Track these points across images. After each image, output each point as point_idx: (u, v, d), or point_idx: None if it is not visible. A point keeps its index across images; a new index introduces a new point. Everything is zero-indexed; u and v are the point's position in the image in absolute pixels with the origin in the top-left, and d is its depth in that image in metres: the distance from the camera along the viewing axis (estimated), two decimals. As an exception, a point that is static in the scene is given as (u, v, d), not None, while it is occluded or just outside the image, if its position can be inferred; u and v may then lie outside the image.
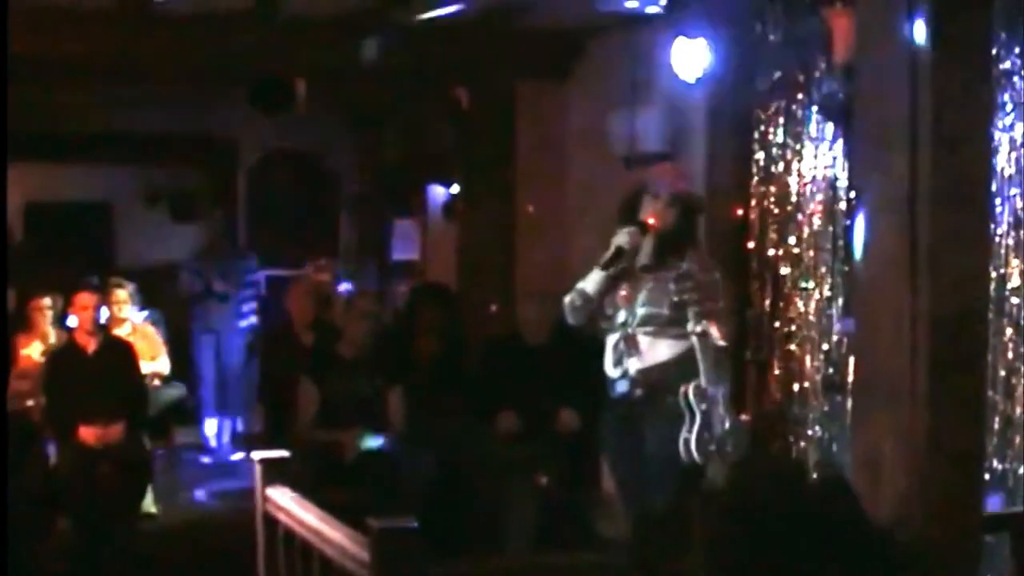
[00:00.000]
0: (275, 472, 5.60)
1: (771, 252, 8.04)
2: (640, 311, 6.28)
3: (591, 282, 6.40)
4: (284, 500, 5.38)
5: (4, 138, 6.69)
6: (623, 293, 6.35)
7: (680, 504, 6.26)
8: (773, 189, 8.04)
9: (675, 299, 6.22)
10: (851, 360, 7.20)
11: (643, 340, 6.29)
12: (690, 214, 6.48)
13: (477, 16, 9.73)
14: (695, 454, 6.18)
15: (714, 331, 6.15)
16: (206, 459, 11.61)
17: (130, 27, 9.66)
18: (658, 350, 6.25)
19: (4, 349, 8.89)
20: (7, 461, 7.82)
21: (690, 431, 6.17)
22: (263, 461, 5.66)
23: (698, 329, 6.15)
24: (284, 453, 5.82)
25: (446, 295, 9.71)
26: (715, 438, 6.19)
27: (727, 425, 6.20)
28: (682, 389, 6.17)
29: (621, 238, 6.28)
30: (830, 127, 7.52)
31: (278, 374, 9.25)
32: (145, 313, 10.67)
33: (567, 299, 6.48)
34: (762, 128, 8.08)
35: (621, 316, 6.35)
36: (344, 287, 12.01)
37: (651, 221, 6.31)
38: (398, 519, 4.39)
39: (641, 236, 6.30)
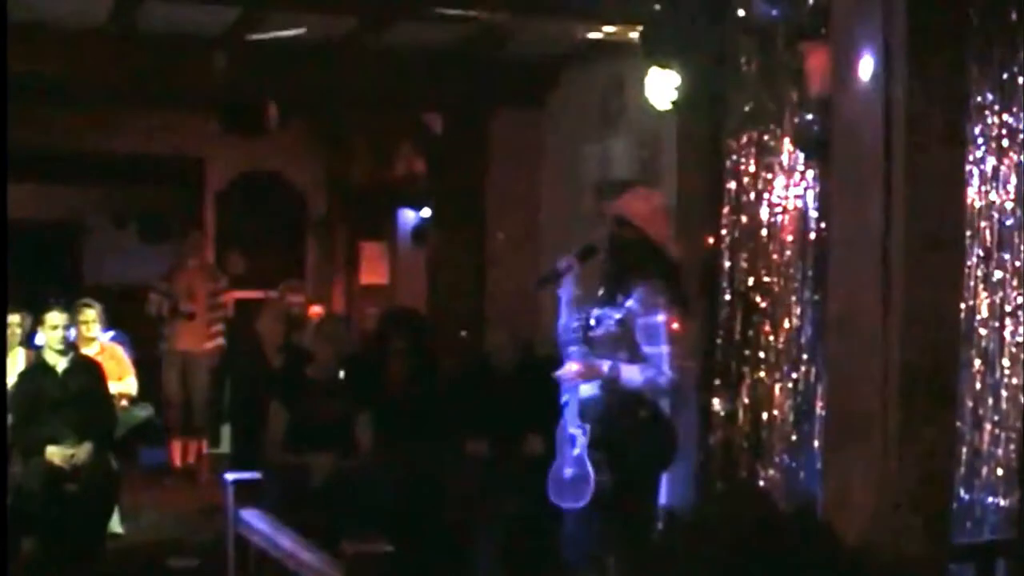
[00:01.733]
0: (248, 494, 5.60)
1: (741, 281, 8.07)
2: (574, 346, 6.22)
3: (561, 312, 6.41)
4: (257, 522, 5.39)
5: (4, 144, 6.68)
6: (576, 323, 6.28)
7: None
8: (744, 219, 8.07)
9: (605, 334, 6.13)
10: (820, 389, 7.26)
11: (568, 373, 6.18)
12: (640, 245, 6.24)
13: (452, 43, 9.78)
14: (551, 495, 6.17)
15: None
16: (173, 480, 11.58)
17: (102, 48, 9.67)
18: (589, 384, 6.17)
19: (3, 352, 8.85)
20: (7, 464, 7.80)
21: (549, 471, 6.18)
22: (236, 482, 5.67)
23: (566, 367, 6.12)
24: (256, 475, 5.83)
25: (416, 320, 9.72)
26: (560, 478, 6.10)
27: (575, 471, 6.04)
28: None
29: (561, 262, 6.29)
30: (802, 158, 7.55)
31: (248, 396, 9.24)
32: (112, 333, 10.64)
33: None
34: (734, 158, 8.12)
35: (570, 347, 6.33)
36: (314, 310, 12.00)
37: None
38: (372, 544, 4.41)
39: (579, 262, 6.28)
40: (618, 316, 6.10)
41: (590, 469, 5.98)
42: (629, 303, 6.10)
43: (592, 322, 6.12)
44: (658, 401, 6.25)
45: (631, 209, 6.32)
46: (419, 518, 8.24)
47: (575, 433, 6.07)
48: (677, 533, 6.40)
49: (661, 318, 6.06)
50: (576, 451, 6.04)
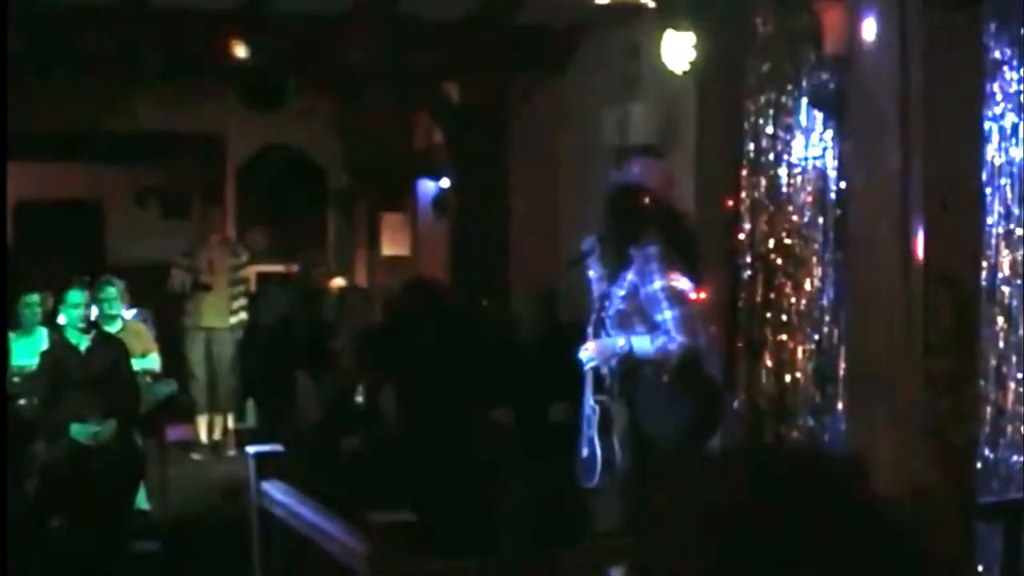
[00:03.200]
0: (270, 466, 5.59)
1: (762, 243, 8.04)
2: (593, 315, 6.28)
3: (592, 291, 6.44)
4: (279, 494, 5.38)
5: (4, 139, 6.67)
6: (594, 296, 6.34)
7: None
8: (763, 180, 8.04)
9: (615, 311, 6.16)
10: (843, 350, 7.23)
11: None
12: (636, 213, 6.28)
13: (469, 12, 9.74)
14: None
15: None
16: (198, 456, 11.61)
17: (121, 25, 9.66)
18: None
19: (4, 349, 8.86)
20: (7, 461, 7.81)
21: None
22: (257, 455, 5.65)
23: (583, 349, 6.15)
24: (278, 447, 5.81)
25: (438, 290, 9.70)
26: (579, 461, 6.20)
27: (587, 451, 6.14)
28: None
29: (585, 242, 6.34)
30: (820, 118, 7.52)
31: (272, 370, 9.24)
32: (135, 311, 10.66)
33: None
34: (752, 119, 8.08)
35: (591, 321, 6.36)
36: (336, 282, 12.01)
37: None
38: (397, 514, 4.40)
39: (599, 243, 6.30)
40: (622, 292, 6.11)
41: (598, 451, 6.03)
42: (630, 276, 6.11)
43: (605, 303, 6.14)
44: (694, 368, 6.24)
45: (633, 178, 6.38)
46: (445, 488, 8.24)
47: (589, 413, 6.15)
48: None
49: (659, 284, 6.05)
50: (590, 431, 6.11)
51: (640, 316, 6.07)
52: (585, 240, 6.34)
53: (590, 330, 6.20)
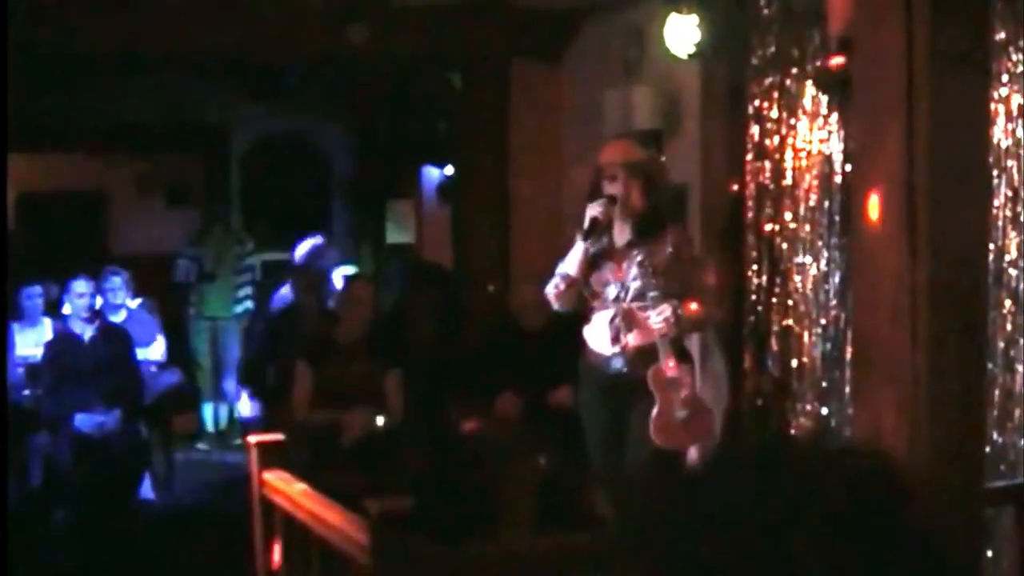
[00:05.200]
0: (272, 456, 5.55)
1: (767, 228, 7.98)
2: (632, 285, 6.29)
3: (571, 263, 6.45)
4: (281, 484, 5.34)
5: (4, 139, 6.64)
6: (612, 268, 6.38)
7: (659, 488, 6.28)
8: (768, 164, 7.98)
9: (662, 274, 6.26)
10: (849, 335, 7.18)
11: (638, 315, 6.29)
12: (653, 185, 6.49)
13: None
14: (654, 438, 6.23)
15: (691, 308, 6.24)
16: (203, 445, 11.59)
17: (121, 14, 9.61)
18: (652, 327, 6.25)
19: (3, 349, 8.84)
20: (7, 459, 7.80)
21: (651, 414, 6.24)
22: (259, 445, 5.62)
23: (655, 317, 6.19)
24: (280, 436, 5.78)
25: (442, 277, 9.66)
26: (676, 422, 6.20)
27: (688, 410, 6.20)
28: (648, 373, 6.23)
29: (594, 209, 6.39)
30: (825, 101, 7.46)
31: (277, 359, 9.20)
32: (139, 300, 10.64)
33: (550, 286, 6.53)
34: (757, 103, 8.02)
35: (612, 292, 6.37)
36: (340, 271, 11.96)
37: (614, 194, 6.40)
38: (396, 502, 4.37)
39: (611, 208, 6.34)
40: (670, 249, 6.33)
41: (709, 404, 6.21)
42: (669, 239, 6.35)
43: (647, 266, 6.20)
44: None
45: (632, 153, 6.61)
46: (449, 477, 8.21)
47: (676, 375, 6.19)
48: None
49: (698, 252, 6.52)
50: (684, 392, 6.19)
51: (678, 276, 6.29)
52: (595, 206, 6.35)
53: (647, 300, 6.22)
